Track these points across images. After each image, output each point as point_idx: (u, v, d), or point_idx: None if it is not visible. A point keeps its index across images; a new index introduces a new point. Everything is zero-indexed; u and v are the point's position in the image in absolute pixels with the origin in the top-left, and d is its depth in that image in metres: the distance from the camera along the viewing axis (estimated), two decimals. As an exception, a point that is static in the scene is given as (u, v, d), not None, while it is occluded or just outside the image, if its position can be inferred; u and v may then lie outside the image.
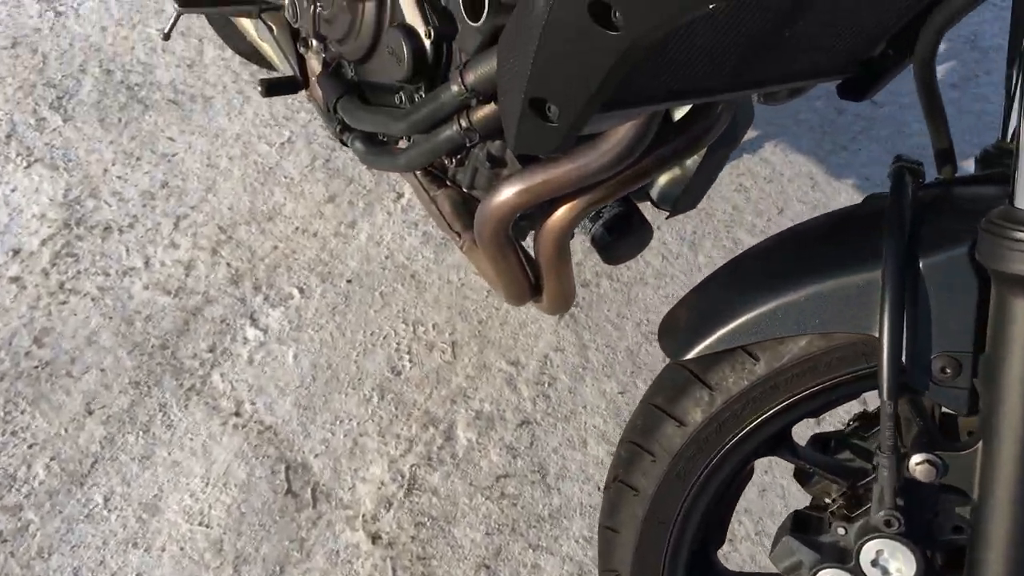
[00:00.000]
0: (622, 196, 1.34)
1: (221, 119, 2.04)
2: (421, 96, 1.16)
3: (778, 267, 0.86)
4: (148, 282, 1.69)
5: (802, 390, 0.84)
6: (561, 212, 1.15)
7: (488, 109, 1.08)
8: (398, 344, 1.62)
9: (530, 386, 1.57)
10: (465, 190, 1.24)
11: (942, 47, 2.29)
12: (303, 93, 1.51)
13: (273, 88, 1.38)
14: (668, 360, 0.93)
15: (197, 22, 2.31)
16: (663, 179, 1.31)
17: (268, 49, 1.55)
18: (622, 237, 1.29)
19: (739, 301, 0.85)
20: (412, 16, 1.13)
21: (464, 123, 1.10)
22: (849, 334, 0.79)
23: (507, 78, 0.89)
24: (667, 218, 1.35)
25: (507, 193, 1.11)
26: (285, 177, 1.92)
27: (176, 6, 1.38)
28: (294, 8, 1.42)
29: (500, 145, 1.15)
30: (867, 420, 0.96)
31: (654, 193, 1.33)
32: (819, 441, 0.97)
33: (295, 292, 1.70)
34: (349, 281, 1.72)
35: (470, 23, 0.97)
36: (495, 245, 1.18)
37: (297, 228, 1.81)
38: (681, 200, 1.30)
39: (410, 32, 1.13)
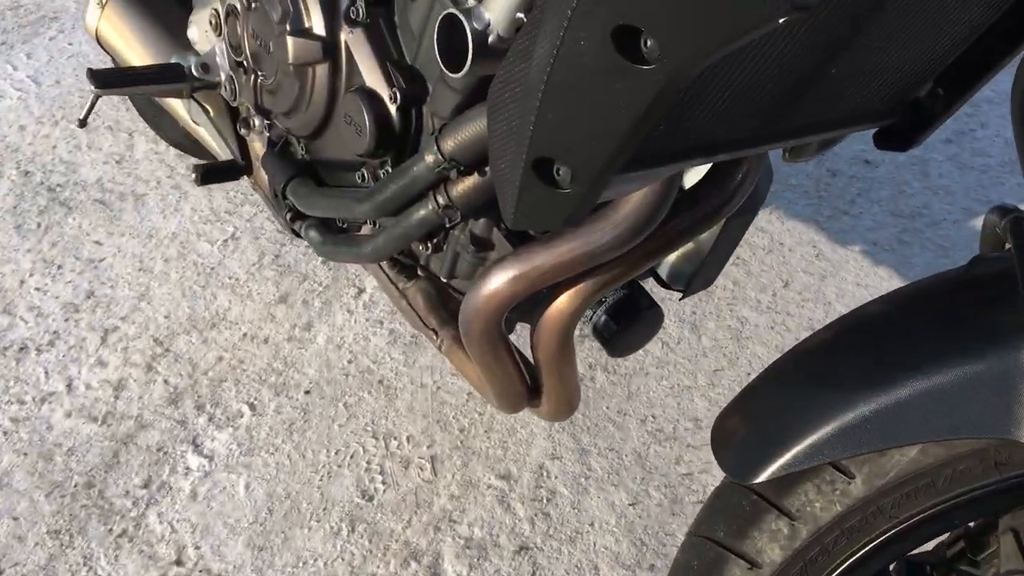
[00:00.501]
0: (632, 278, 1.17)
1: (155, 218, 1.85)
2: (387, 171, 0.99)
3: (866, 359, 0.68)
4: (71, 408, 1.47)
5: (913, 514, 0.66)
6: (564, 300, 0.97)
7: (470, 181, 0.91)
8: (368, 463, 1.41)
9: (526, 503, 1.37)
10: (444, 280, 1.06)
11: (930, 101, 2.19)
12: (246, 181, 1.33)
13: (210, 175, 1.20)
14: (727, 480, 0.75)
15: (127, 115, 2.13)
16: (674, 254, 1.14)
17: (204, 134, 1.37)
18: (630, 325, 1.11)
19: (820, 405, 0.67)
20: (373, 78, 0.97)
21: (441, 200, 0.93)
22: (977, 440, 0.61)
23: (501, 138, 0.72)
24: (680, 299, 1.18)
25: (499, 281, 0.93)
26: (229, 278, 1.72)
27: (93, 88, 1.20)
28: (232, 84, 1.25)
29: (485, 224, 0.98)
30: (973, 540, 0.78)
31: (664, 271, 1.16)
32: (913, 567, 0.79)
33: (245, 409, 1.49)
34: (307, 392, 1.52)
35: (449, 75, 0.80)
36: (486, 343, 0.99)
37: (245, 335, 1.61)
38: (697, 277, 1.13)
39: (371, 97, 0.96)
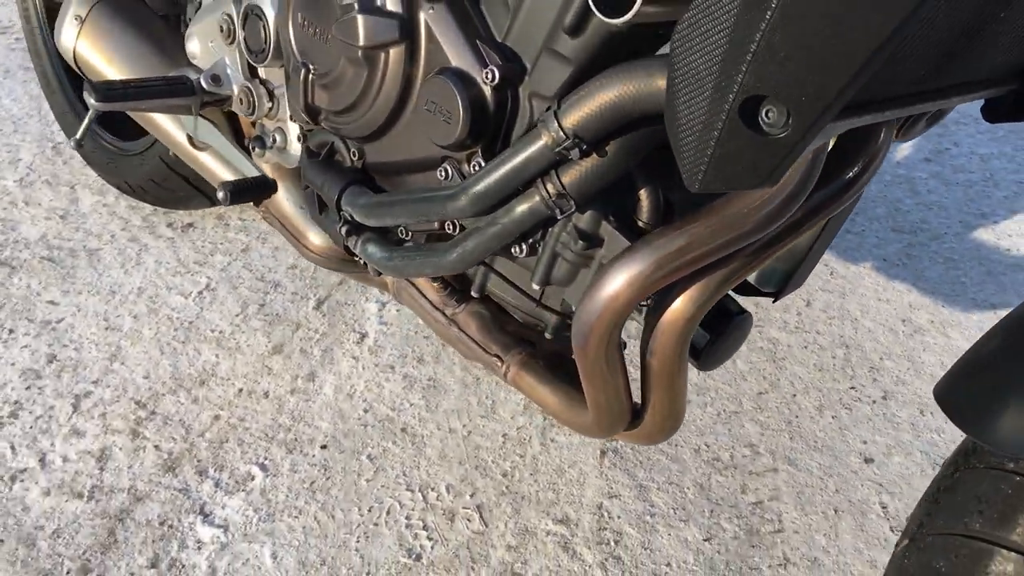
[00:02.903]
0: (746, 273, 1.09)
1: (115, 273, 1.68)
2: (479, 164, 0.88)
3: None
4: (49, 485, 1.28)
5: None
6: (686, 299, 0.88)
7: (587, 164, 0.82)
8: (408, 518, 1.27)
9: (592, 548, 1.24)
10: (536, 286, 0.95)
11: (900, 123, 2.21)
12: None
13: (240, 192, 1.06)
14: (968, 463, 0.65)
15: (65, 168, 1.96)
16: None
17: (207, 160, 1.23)
18: (723, 334, 1.03)
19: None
20: (461, 58, 0.87)
21: (552, 188, 0.83)
22: None
23: (693, 80, 0.63)
24: (774, 302, 1.10)
25: (623, 279, 0.83)
26: (212, 331, 1.56)
27: (93, 102, 1.06)
28: (249, 96, 1.13)
29: (592, 216, 0.88)
30: None
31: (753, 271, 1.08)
32: None
33: (255, 471, 1.32)
34: (324, 447, 1.36)
35: (605, 21, 0.70)
36: (604, 355, 0.88)
37: (241, 390, 1.45)
38: (796, 276, 1.05)
39: (462, 78, 0.86)
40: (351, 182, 0.98)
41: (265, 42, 1.07)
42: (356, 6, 0.87)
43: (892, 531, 1.28)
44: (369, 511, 1.27)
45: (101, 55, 1.23)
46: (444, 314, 1.16)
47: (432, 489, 1.31)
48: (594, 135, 0.79)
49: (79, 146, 1.18)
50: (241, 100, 1.14)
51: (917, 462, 1.38)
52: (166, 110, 1.14)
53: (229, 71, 1.15)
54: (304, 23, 0.94)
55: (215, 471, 1.32)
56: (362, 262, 1.12)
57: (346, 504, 1.28)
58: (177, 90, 1.11)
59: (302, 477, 1.32)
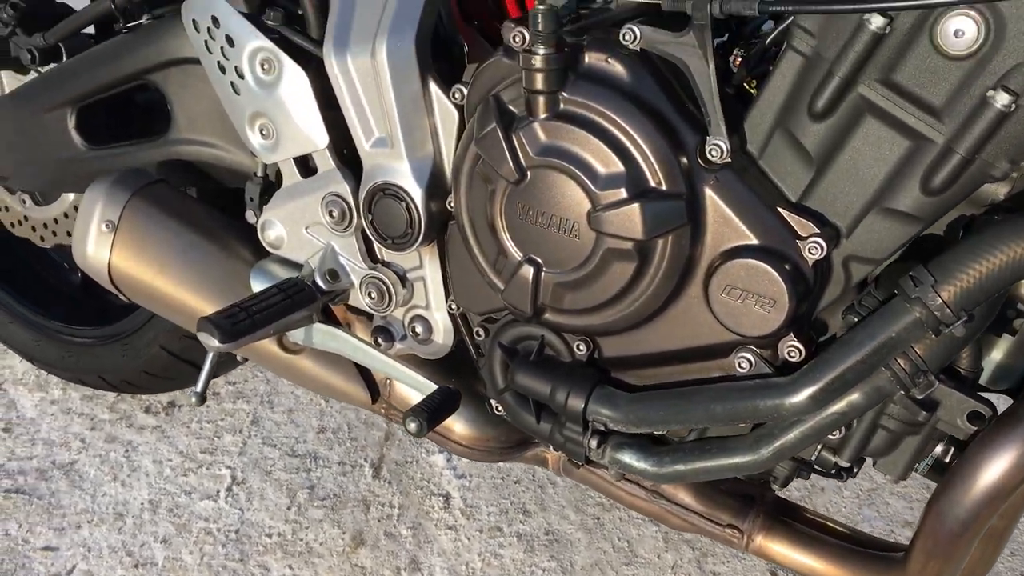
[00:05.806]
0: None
1: (110, 488, 1.39)
2: (796, 350, 0.74)
3: None
4: None
5: None
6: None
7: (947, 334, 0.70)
8: None
9: None
10: (846, 465, 0.82)
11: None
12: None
13: (434, 417, 0.86)
14: None
15: (-24, 364, 1.62)
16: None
17: (305, 364, 1.01)
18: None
19: None
20: (763, 230, 0.73)
21: (906, 365, 0.71)
22: None
23: None
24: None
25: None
26: (268, 536, 1.32)
27: (217, 343, 0.82)
28: (381, 286, 0.93)
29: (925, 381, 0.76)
30: None
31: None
32: None
33: None
34: (476, 652, 1.18)
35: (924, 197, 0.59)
36: (970, 541, 0.77)
37: (342, 605, 1.23)
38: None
39: (777, 257, 0.72)
40: (597, 383, 0.82)
41: (410, 225, 0.88)
42: (625, 193, 0.71)
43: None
44: None
45: (148, 265, 0.98)
46: (642, 486, 1.01)
47: (623, 670, 1.16)
48: (980, 302, 0.68)
49: (202, 401, 0.93)
50: (370, 293, 0.94)
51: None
52: (288, 328, 0.91)
53: (341, 259, 0.95)
54: (529, 213, 0.77)
55: None
56: (567, 459, 0.96)
57: None
58: (300, 301, 0.90)
59: None
